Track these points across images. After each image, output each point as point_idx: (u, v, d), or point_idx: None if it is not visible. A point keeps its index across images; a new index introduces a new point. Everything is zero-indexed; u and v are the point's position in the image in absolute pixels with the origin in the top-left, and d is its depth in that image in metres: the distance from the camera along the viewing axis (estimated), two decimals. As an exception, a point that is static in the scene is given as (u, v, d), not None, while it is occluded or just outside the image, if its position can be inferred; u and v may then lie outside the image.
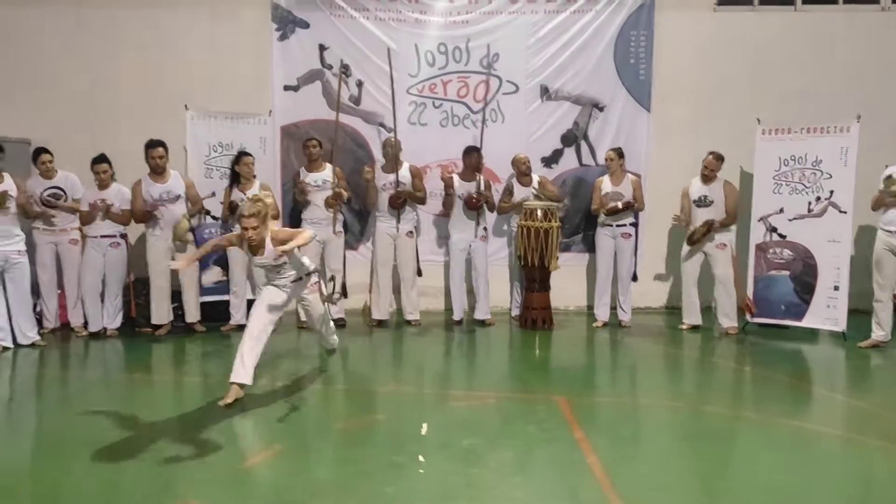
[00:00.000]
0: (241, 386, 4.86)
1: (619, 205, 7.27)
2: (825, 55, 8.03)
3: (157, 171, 6.88)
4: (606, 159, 7.49)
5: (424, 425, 4.43)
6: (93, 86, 7.96)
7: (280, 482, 3.65)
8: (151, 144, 6.85)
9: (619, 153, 7.47)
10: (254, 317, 4.95)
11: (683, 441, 4.39)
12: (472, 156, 7.44)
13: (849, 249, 6.84)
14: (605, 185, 7.43)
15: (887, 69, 8.00)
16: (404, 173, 7.35)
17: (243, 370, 4.84)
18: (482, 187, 7.43)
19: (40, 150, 6.90)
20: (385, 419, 4.65)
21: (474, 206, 7.38)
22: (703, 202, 7.11)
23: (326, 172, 7.25)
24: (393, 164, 7.30)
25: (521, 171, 7.52)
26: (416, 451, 4.05)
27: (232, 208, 6.99)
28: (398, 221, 7.37)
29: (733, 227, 7.24)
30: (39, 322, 6.93)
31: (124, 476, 3.73)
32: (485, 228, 7.56)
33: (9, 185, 6.42)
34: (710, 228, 7.04)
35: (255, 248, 4.86)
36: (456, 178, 7.52)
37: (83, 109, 7.91)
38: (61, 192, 6.88)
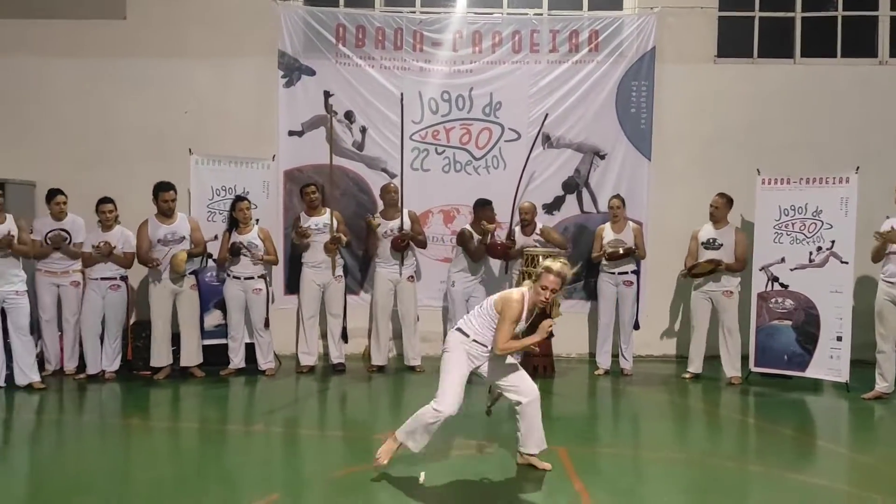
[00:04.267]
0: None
1: (620, 250, 7.28)
2: (824, 107, 8.12)
3: (167, 214, 6.92)
4: (611, 206, 7.52)
5: (422, 474, 4.36)
6: (100, 130, 8.06)
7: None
8: (163, 187, 6.89)
9: (623, 201, 7.51)
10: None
11: (685, 494, 4.32)
12: (486, 209, 7.43)
13: (850, 300, 6.81)
14: (607, 232, 7.45)
15: (885, 121, 8.07)
16: (405, 219, 7.39)
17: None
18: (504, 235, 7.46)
19: (55, 192, 6.96)
20: (382, 467, 4.58)
21: (499, 255, 7.40)
22: (711, 245, 7.12)
23: (326, 216, 7.29)
24: (394, 210, 7.36)
25: (525, 219, 7.56)
26: (412, 502, 3.97)
27: (234, 251, 7.00)
28: (401, 265, 7.38)
29: (739, 275, 7.21)
30: (41, 364, 6.87)
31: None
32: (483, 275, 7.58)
33: (10, 225, 6.45)
34: (715, 268, 7.01)
35: (530, 315, 4.35)
36: (468, 227, 7.50)
37: (90, 153, 8.00)
38: (66, 234, 6.91)
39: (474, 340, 4.37)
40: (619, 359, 7.47)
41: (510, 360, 4.54)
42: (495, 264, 7.86)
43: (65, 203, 6.94)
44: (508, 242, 7.36)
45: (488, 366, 4.45)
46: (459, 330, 4.44)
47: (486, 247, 7.34)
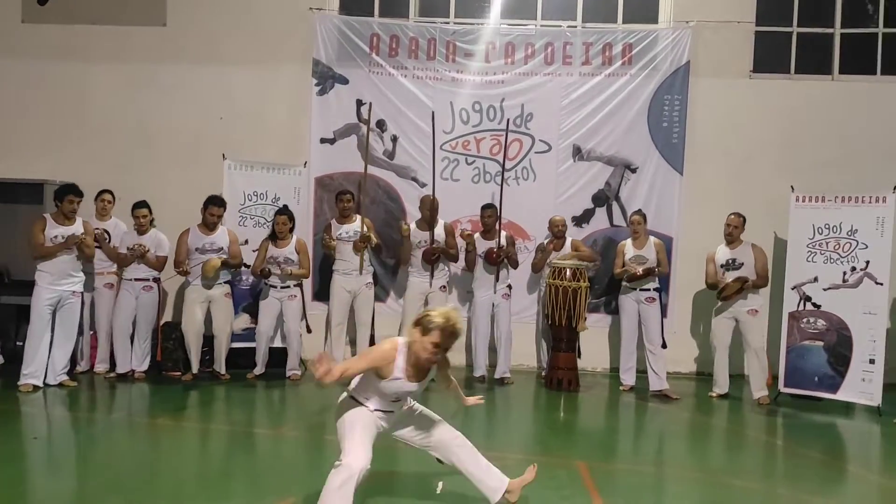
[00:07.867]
0: None
1: (639, 270, 7.17)
2: (862, 125, 7.99)
3: (210, 227, 7.01)
4: (632, 222, 7.42)
5: (440, 484, 4.35)
6: (138, 134, 8.24)
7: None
8: (215, 202, 7.00)
9: (644, 217, 7.43)
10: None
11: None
12: (486, 212, 7.47)
13: (885, 322, 6.66)
14: (628, 248, 7.36)
15: (926, 140, 7.91)
16: (439, 231, 7.39)
17: None
18: (504, 243, 7.40)
19: (103, 191, 7.16)
20: (401, 476, 4.59)
21: (494, 262, 7.33)
22: (731, 266, 7.02)
23: (356, 224, 7.33)
24: (429, 221, 7.36)
25: (554, 233, 7.53)
26: (428, 511, 3.98)
27: (264, 273, 7.09)
28: (432, 276, 7.38)
29: (764, 293, 7.10)
30: (73, 363, 6.94)
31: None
32: (508, 286, 7.49)
33: (79, 227, 6.50)
34: (742, 286, 6.91)
35: (420, 373, 3.73)
36: (477, 235, 7.54)
37: (127, 157, 8.17)
38: (107, 235, 7.06)
39: (351, 397, 3.75)
40: (650, 376, 7.24)
41: (417, 408, 4.00)
42: (535, 278, 7.83)
43: (111, 202, 7.14)
44: (501, 252, 7.31)
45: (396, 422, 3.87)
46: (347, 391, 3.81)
47: (484, 255, 7.37)
